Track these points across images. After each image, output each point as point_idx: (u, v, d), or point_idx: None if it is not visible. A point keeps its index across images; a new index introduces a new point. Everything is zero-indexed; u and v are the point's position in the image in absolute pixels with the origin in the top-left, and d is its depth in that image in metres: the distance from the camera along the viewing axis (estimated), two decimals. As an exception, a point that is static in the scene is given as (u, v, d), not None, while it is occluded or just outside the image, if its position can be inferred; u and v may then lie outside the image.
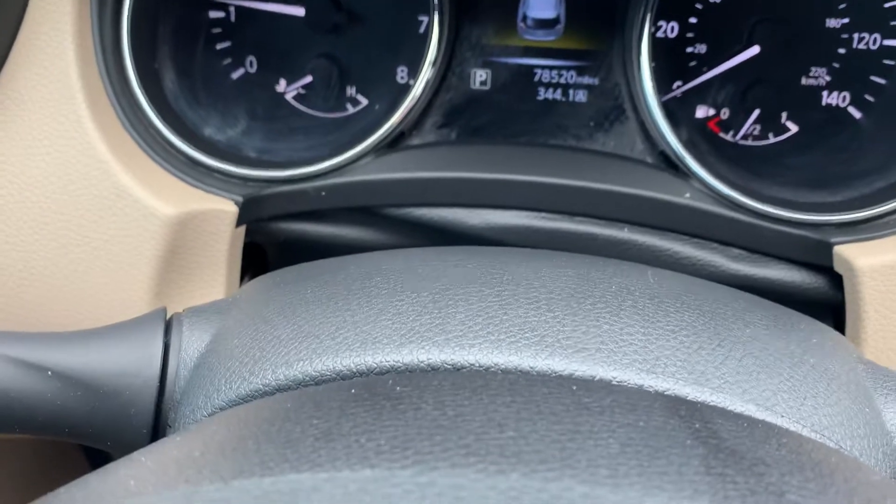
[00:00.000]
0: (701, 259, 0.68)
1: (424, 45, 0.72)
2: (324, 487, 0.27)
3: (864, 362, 0.49)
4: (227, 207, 0.66)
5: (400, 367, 0.41)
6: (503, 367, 0.40)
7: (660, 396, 0.36)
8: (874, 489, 0.34)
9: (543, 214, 0.68)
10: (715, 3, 0.75)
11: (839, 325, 0.68)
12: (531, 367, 0.40)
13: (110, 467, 0.33)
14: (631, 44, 0.71)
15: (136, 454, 0.34)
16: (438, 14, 0.72)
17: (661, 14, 0.74)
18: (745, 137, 0.78)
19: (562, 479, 0.28)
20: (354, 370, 0.41)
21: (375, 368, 0.41)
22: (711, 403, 0.38)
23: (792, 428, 0.39)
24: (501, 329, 0.42)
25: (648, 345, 0.41)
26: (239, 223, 0.67)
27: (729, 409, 0.38)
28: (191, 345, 0.47)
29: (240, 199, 0.67)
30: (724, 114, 0.77)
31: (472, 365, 0.41)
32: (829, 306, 0.69)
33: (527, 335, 0.41)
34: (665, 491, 0.28)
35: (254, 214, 0.68)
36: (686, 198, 0.68)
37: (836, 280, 0.67)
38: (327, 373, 0.41)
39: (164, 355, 0.46)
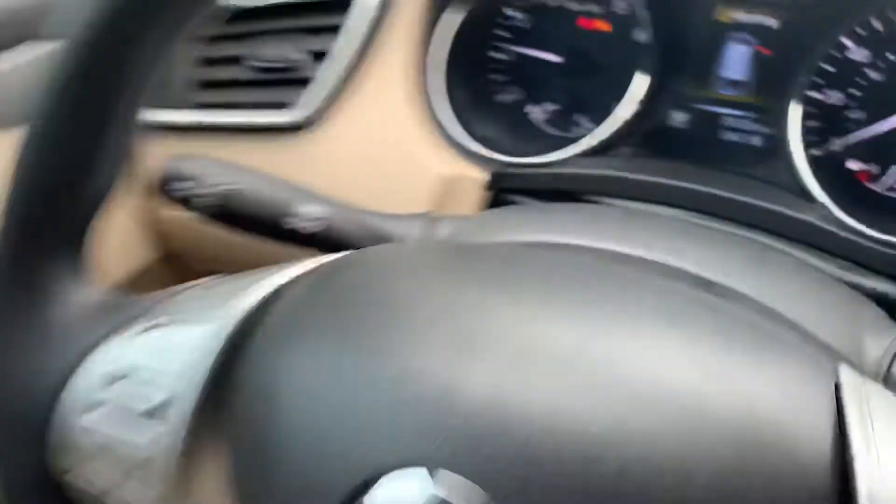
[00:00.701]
0: (815, 265, 0.88)
1: (636, 89, 1.01)
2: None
3: (882, 317, 0.68)
4: (480, 176, 0.99)
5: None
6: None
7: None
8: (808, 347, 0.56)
9: (697, 214, 0.93)
10: (877, 81, 0.95)
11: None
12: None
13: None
14: (788, 106, 0.94)
15: None
16: (650, 69, 1.00)
17: (829, 83, 0.96)
18: (890, 189, 0.96)
19: None
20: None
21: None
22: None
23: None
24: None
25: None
26: (488, 189, 0.99)
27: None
28: (441, 226, 0.79)
29: (490, 170, 0.99)
30: (875, 168, 0.96)
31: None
32: None
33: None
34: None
35: (498, 185, 1.00)
36: (808, 216, 0.89)
37: None
38: None
39: (424, 228, 0.79)
